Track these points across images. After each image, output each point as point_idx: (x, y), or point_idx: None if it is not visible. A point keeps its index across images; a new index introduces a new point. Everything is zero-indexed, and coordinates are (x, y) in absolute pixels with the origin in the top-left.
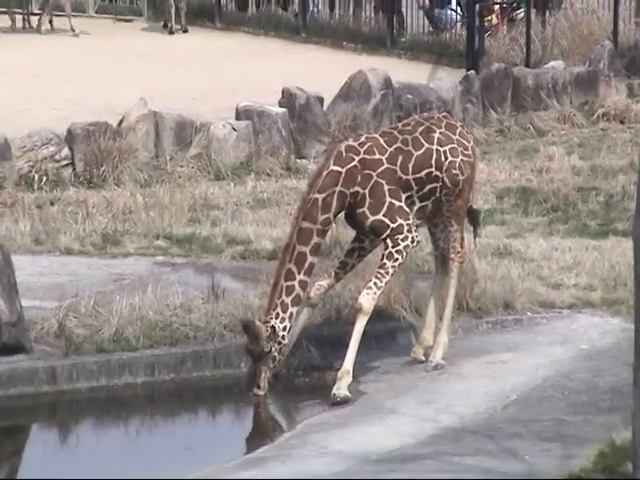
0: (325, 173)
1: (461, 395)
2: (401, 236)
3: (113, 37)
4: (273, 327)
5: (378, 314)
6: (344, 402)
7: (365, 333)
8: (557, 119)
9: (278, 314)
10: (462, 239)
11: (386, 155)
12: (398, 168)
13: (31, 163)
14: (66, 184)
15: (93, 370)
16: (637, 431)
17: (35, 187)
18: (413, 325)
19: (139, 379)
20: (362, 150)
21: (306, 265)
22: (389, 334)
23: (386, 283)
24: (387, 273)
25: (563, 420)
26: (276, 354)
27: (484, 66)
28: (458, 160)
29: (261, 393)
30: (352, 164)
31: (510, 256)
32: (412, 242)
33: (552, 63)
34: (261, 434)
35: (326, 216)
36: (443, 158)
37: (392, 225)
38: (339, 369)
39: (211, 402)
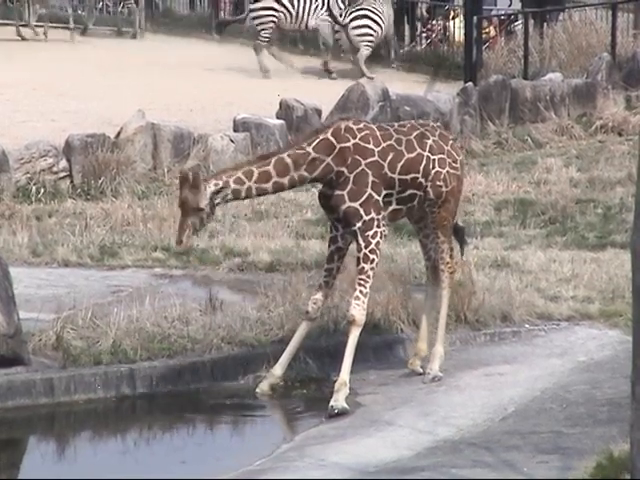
0: (322, 137)
1: (459, 407)
2: (371, 232)
3: (110, 48)
4: (220, 188)
5: (375, 326)
6: (341, 414)
7: (363, 345)
8: (555, 131)
9: (217, 184)
10: (451, 250)
11: (379, 148)
12: (386, 164)
13: (29, 175)
14: (64, 196)
15: (90, 382)
16: (635, 443)
17: (33, 199)
18: (410, 337)
19: (136, 391)
20: (359, 135)
21: (263, 181)
22: (386, 346)
23: (370, 287)
24: (368, 277)
25: (561, 432)
26: (204, 216)
27: (482, 78)
28: (444, 172)
29: (183, 246)
30: (346, 144)
31: (508, 268)
32: (381, 237)
33: (550, 75)
34: (258, 446)
35: (306, 174)
36: (431, 166)
37: (365, 217)
38: (336, 381)
39: (208, 414)
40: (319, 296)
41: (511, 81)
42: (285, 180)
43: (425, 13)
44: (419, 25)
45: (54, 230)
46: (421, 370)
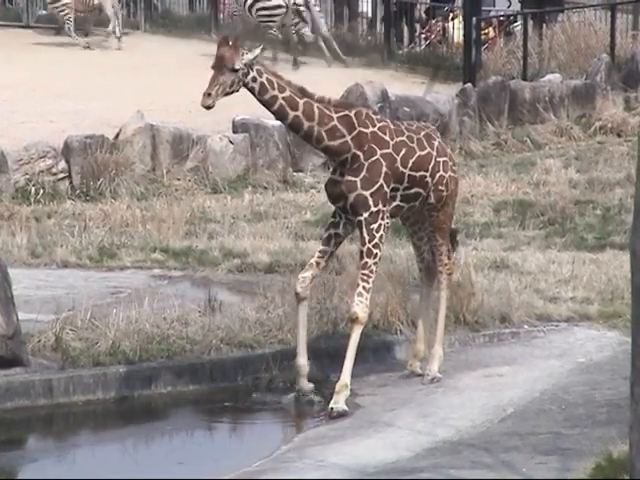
0: (346, 112)
1: (458, 408)
2: (376, 225)
3: (110, 49)
4: (251, 62)
5: (375, 327)
6: (341, 415)
7: (362, 346)
8: (554, 132)
9: (256, 60)
10: (448, 251)
11: (393, 142)
12: (399, 159)
13: (28, 176)
14: (63, 197)
15: (89, 383)
16: (634, 444)
17: (32, 200)
18: (409, 338)
19: (135, 392)
20: (377, 125)
21: (289, 104)
22: (386, 347)
23: (373, 282)
24: (371, 272)
25: (560, 433)
26: (235, 80)
27: (481, 79)
28: (447, 176)
29: (210, 102)
30: (365, 130)
31: (507, 269)
32: (385, 231)
33: (549, 76)
34: (258, 447)
35: (324, 136)
36: (436, 168)
37: (372, 208)
38: (336, 382)
39: (207, 415)
40: (307, 274)
41: (510, 82)
42: (305, 124)
43: (424, 14)
44: (418, 26)
45: (53, 231)
46: (420, 371)
